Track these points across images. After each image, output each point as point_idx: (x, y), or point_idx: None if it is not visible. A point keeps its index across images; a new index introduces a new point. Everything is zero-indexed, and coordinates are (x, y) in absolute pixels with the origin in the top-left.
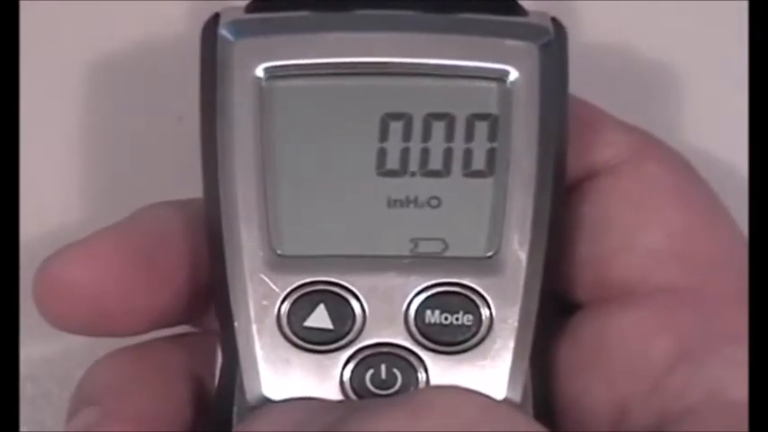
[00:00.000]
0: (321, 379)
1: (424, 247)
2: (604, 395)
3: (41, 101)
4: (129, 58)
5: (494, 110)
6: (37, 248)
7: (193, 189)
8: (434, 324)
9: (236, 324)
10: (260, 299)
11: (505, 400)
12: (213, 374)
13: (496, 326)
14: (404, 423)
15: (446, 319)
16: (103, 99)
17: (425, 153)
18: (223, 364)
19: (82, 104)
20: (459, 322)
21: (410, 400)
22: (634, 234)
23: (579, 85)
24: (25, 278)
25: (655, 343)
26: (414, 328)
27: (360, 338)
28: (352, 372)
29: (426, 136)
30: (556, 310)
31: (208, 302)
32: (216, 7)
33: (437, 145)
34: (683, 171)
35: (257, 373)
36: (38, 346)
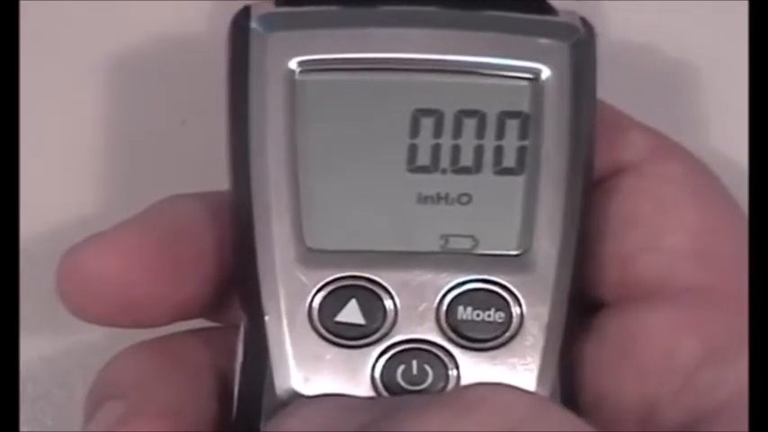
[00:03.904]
0: (352, 374)
1: (455, 244)
2: (633, 393)
3: (43, 102)
4: (131, 61)
5: (525, 108)
6: (37, 248)
7: (196, 191)
8: (466, 320)
9: (266, 318)
10: (291, 293)
11: None
12: (234, 370)
13: (527, 323)
14: (450, 421)
15: (477, 315)
16: (106, 101)
17: (456, 150)
18: (250, 358)
19: (84, 106)
20: (491, 319)
21: (456, 398)
22: (658, 233)
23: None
24: (25, 278)
25: (682, 342)
26: (445, 325)
27: (391, 334)
28: (384, 367)
29: (457, 133)
30: (582, 308)
31: (230, 294)
32: (218, 9)
33: (468, 142)
34: (701, 171)
35: (288, 367)
36: (38, 346)
